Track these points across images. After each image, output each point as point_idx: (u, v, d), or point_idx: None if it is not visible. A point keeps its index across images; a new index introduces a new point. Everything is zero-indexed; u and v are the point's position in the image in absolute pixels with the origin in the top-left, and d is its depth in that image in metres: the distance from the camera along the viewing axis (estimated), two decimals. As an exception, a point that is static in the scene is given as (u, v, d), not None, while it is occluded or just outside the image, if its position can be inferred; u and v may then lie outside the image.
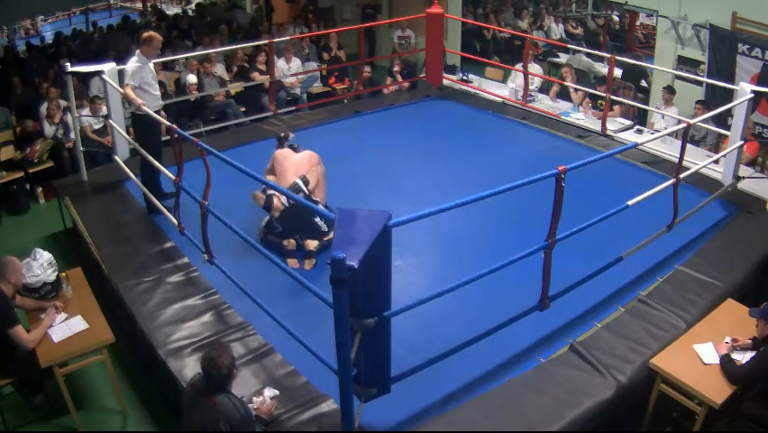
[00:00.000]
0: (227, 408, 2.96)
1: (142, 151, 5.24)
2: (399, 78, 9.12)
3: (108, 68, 5.72)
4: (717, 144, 6.71)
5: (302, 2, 12.58)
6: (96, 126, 7.32)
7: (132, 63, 5.26)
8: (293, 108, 8.42)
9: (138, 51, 5.34)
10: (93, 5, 14.48)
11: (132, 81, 5.21)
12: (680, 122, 5.25)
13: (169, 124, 4.57)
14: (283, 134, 5.49)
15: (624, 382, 3.61)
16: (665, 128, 6.69)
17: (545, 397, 3.49)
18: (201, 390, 3.04)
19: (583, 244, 4.01)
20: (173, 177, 4.56)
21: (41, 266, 4.24)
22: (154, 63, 5.57)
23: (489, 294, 4.05)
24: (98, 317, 4.10)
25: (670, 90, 6.99)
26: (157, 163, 5.09)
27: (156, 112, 5.23)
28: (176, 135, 4.41)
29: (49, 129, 7.25)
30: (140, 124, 5.38)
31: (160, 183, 5.55)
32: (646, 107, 7.20)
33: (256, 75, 8.52)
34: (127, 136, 5.85)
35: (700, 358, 3.68)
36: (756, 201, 5.47)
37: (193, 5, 15.02)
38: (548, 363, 3.78)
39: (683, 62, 7.69)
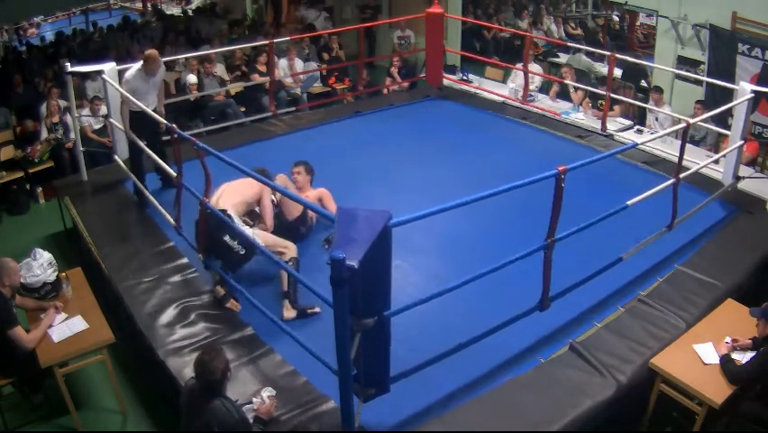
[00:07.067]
0: (221, 413, 2.96)
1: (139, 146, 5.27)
2: (398, 77, 9.11)
3: (108, 68, 5.72)
4: (717, 144, 6.70)
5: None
6: (96, 126, 7.32)
7: (130, 72, 5.32)
8: (293, 108, 8.41)
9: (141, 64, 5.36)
10: (93, 5, 14.48)
11: (125, 87, 5.28)
12: (678, 120, 5.24)
13: (167, 122, 4.56)
14: None
15: (624, 382, 3.60)
16: (664, 127, 6.69)
17: (545, 397, 3.49)
18: (196, 394, 3.04)
19: (583, 244, 4.01)
20: (174, 174, 4.55)
21: (40, 266, 4.24)
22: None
23: (489, 294, 4.05)
24: (98, 317, 4.10)
25: (658, 90, 6.95)
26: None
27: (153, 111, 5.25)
28: (175, 135, 4.41)
29: (44, 130, 7.24)
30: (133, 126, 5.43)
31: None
32: (646, 106, 7.20)
33: (256, 76, 8.51)
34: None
35: (700, 358, 3.68)
36: (756, 201, 5.46)
37: (193, 6, 15.02)
38: (548, 363, 3.78)
39: (683, 62, 7.69)
